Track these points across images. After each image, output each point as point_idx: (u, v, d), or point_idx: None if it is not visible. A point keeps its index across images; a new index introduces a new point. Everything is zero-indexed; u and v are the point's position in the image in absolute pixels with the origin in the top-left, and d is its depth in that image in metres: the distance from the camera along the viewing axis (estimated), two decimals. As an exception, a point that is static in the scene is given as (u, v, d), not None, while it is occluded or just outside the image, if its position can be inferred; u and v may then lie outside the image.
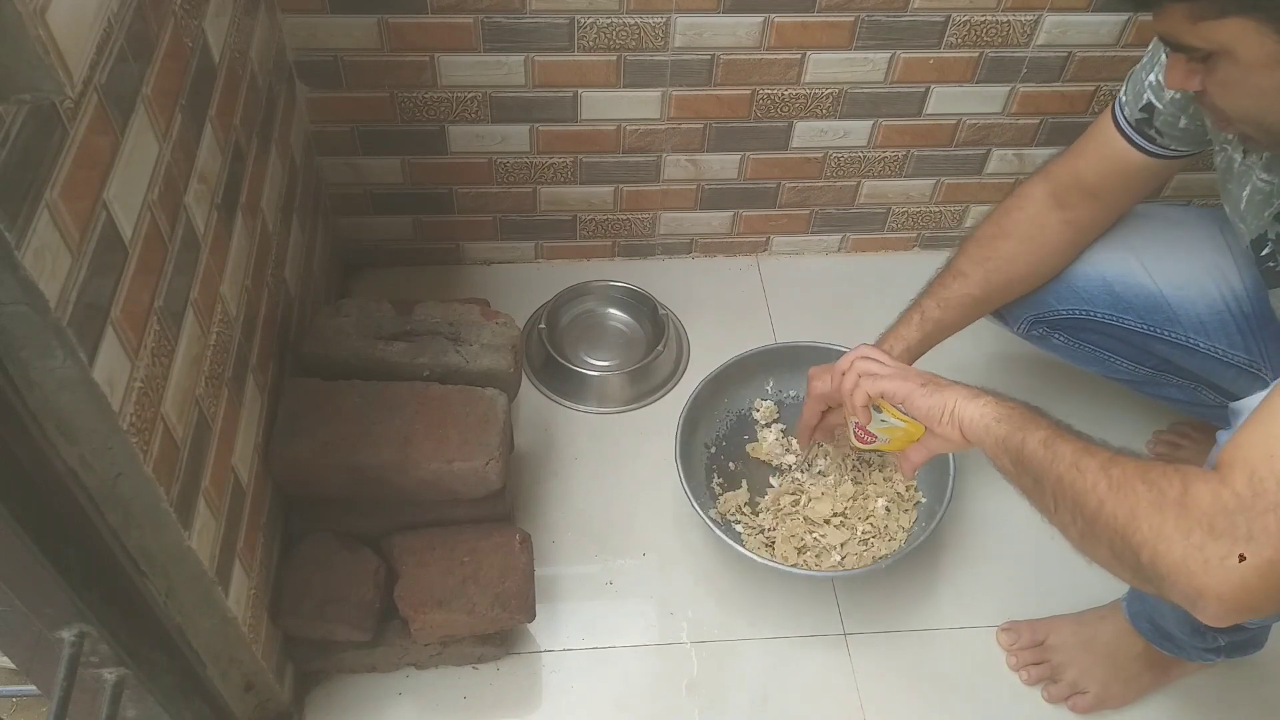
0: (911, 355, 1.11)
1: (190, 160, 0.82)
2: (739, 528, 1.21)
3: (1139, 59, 1.01)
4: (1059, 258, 1.10)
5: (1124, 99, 1.01)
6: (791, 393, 1.34)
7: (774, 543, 1.20)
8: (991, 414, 0.86)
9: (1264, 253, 0.94)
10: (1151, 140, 0.99)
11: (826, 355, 1.31)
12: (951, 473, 1.17)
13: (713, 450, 1.28)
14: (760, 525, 1.22)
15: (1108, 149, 1.02)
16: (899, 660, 1.15)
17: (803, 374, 1.32)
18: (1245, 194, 0.93)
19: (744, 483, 1.26)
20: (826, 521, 1.20)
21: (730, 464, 1.28)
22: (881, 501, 1.22)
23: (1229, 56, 0.74)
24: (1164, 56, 0.93)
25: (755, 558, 1.13)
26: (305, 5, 1.19)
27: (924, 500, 1.23)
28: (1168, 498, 0.69)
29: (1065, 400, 1.41)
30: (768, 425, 1.31)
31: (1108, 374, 1.21)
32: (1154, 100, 0.97)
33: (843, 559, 1.18)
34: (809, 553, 1.19)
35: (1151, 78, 0.97)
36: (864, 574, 1.18)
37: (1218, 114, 0.82)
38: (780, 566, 1.14)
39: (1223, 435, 0.83)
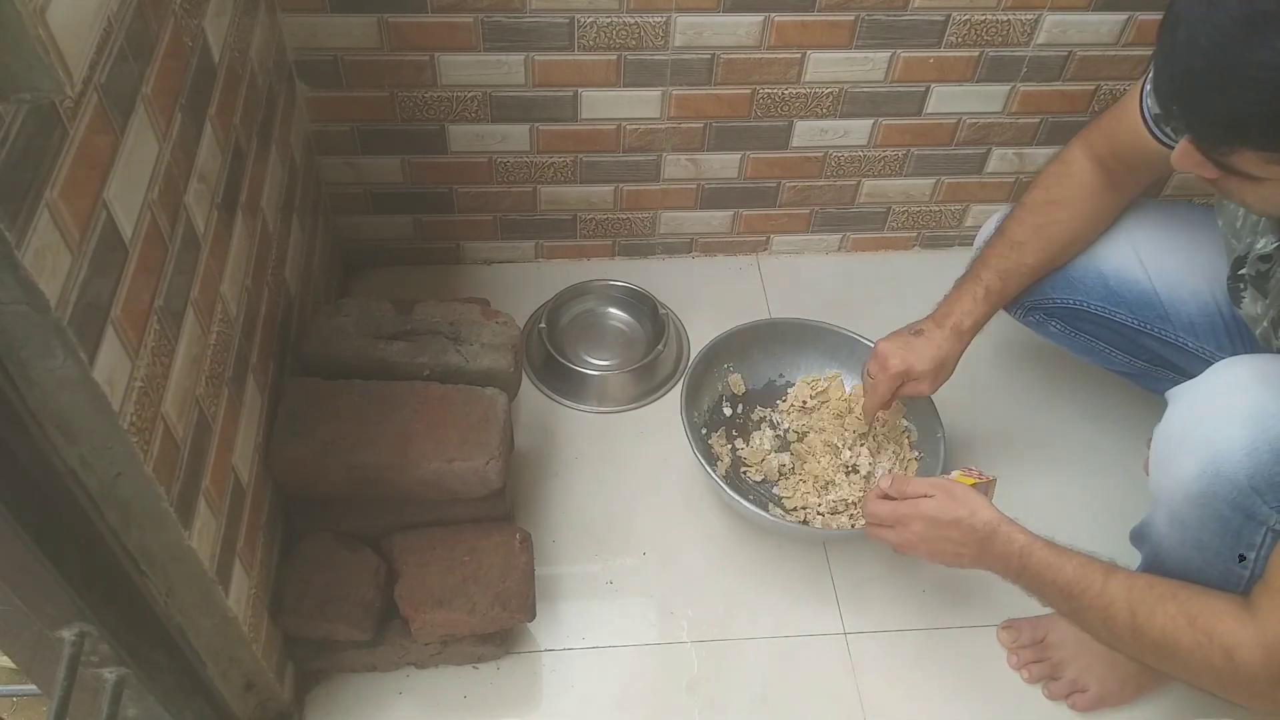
0: (977, 328, 1.12)
1: (190, 160, 0.82)
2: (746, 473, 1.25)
3: (1141, 58, 1.00)
4: (1109, 218, 1.11)
5: (1148, 88, 1.00)
6: (782, 375, 1.37)
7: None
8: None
9: (1240, 272, 0.95)
10: (1168, 135, 0.99)
11: (805, 331, 1.35)
12: (942, 458, 1.19)
13: (704, 431, 1.30)
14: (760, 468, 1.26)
15: (1134, 131, 1.02)
16: (899, 660, 1.15)
17: (790, 350, 1.35)
18: (1241, 212, 0.94)
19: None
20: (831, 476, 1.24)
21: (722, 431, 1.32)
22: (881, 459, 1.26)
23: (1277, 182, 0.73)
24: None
25: (750, 506, 1.15)
26: (305, 5, 1.19)
27: (920, 456, 1.26)
28: (1216, 670, 0.81)
29: (1067, 392, 1.42)
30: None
31: (1105, 365, 1.22)
32: None
33: (850, 521, 1.20)
34: (819, 494, 1.22)
35: None
36: (857, 548, 1.20)
37: (1229, 197, 0.81)
38: (787, 524, 1.17)
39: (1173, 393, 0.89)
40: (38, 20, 0.52)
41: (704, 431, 1.29)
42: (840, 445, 1.26)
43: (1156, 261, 1.10)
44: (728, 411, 1.33)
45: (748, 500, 1.16)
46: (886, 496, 1.01)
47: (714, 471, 1.18)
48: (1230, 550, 0.84)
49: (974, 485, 1.00)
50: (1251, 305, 0.96)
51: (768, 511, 1.19)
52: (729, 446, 1.30)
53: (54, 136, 0.59)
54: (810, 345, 1.35)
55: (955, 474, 1.04)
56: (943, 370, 1.13)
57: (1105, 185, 1.08)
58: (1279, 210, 0.82)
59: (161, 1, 0.77)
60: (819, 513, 1.21)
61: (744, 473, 1.28)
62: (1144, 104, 1.01)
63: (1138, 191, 1.11)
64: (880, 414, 1.23)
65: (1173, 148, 0.99)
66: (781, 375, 1.36)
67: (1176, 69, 0.71)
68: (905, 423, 1.28)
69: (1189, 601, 0.83)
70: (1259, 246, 0.91)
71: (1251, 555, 0.83)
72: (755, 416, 1.33)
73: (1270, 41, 0.65)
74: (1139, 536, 1.00)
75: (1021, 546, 0.92)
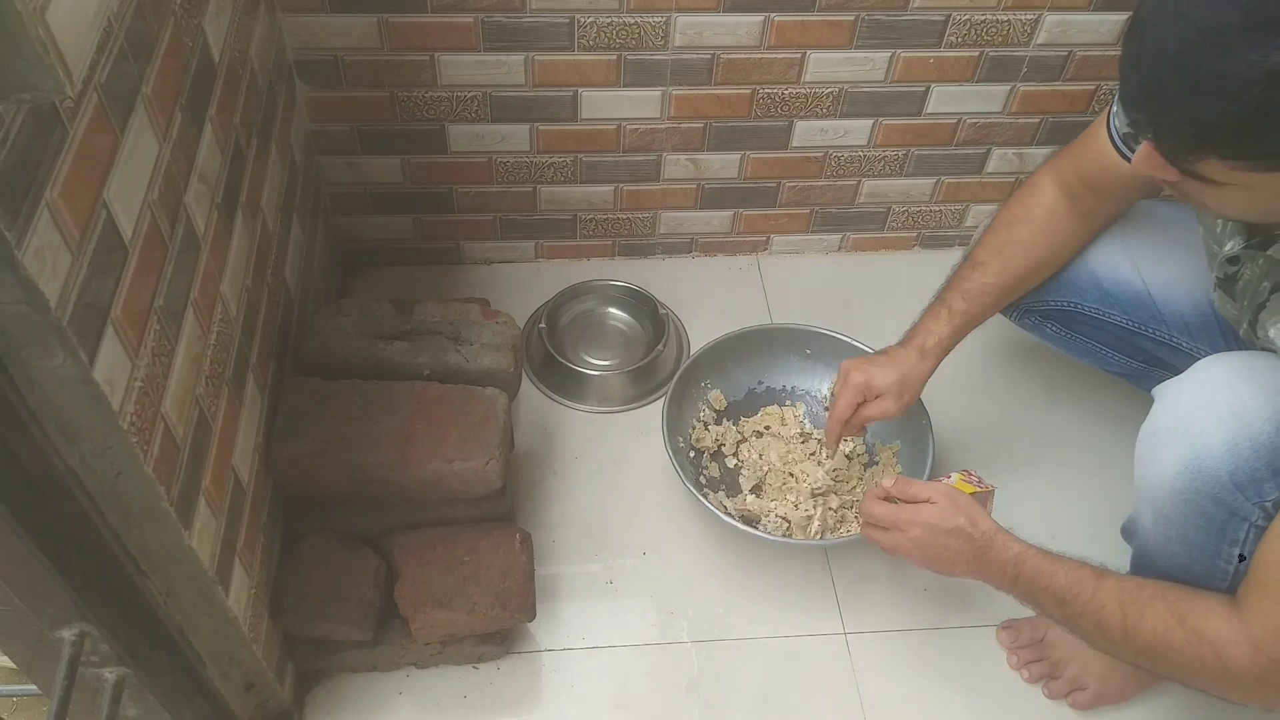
0: (943, 349, 1.11)
1: (190, 160, 0.82)
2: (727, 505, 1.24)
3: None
4: (1073, 244, 1.11)
5: (1115, 109, 1.00)
6: (761, 383, 1.37)
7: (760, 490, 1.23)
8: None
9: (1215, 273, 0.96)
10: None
11: (774, 335, 1.35)
12: (930, 446, 1.20)
13: (692, 455, 1.29)
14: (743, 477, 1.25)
15: (1102, 155, 1.02)
16: (899, 660, 1.15)
17: (764, 356, 1.35)
18: (1219, 219, 0.93)
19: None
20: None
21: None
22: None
23: (1243, 188, 0.73)
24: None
25: (745, 528, 1.15)
26: (305, 4, 1.19)
27: (902, 472, 1.25)
28: (1207, 669, 0.81)
29: (1065, 392, 1.41)
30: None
31: (1101, 366, 1.23)
32: None
33: (833, 527, 1.20)
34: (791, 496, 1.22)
35: None
36: (856, 549, 1.19)
37: (1189, 201, 0.81)
38: (787, 540, 1.16)
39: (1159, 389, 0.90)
40: (38, 20, 0.52)
41: (692, 455, 1.29)
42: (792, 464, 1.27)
43: (1149, 262, 1.10)
44: (714, 431, 1.32)
45: (741, 523, 1.16)
46: (888, 497, 1.01)
47: (708, 500, 1.18)
48: (1214, 545, 0.85)
49: (974, 493, 1.00)
50: (1223, 306, 0.96)
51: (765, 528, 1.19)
52: (720, 465, 1.29)
53: (54, 136, 0.59)
54: (783, 347, 1.35)
55: (955, 477, 1.03)
56: (906, 388, 1.10)
57: (1069, 210, 1.08)
58: (1237, 213, 0.83)
59: (161, 1, 0.77)
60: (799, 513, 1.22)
61: (724, 494, 1.27)
62: (1112, 125, 1.00)
63: (1108, 219, 1.10)
64: (845, 440, 1.22)
65: None
66: (760, 382, 1.36)
67: (1144, 78, 0.72)
68: (864, 441, 1.29)
69: (1178, 602, 0.84)
70: (1226, 249, 0.91)
71: (1238, 551, 0.84)
72: (739, 428, 1.32)
73: (1238, 52, 0.65)
74: (1128, 532, 1.01)
75: (1015, 555, 0.92)
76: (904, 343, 1.12)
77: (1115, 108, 1.00)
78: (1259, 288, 0.88)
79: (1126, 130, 0.98)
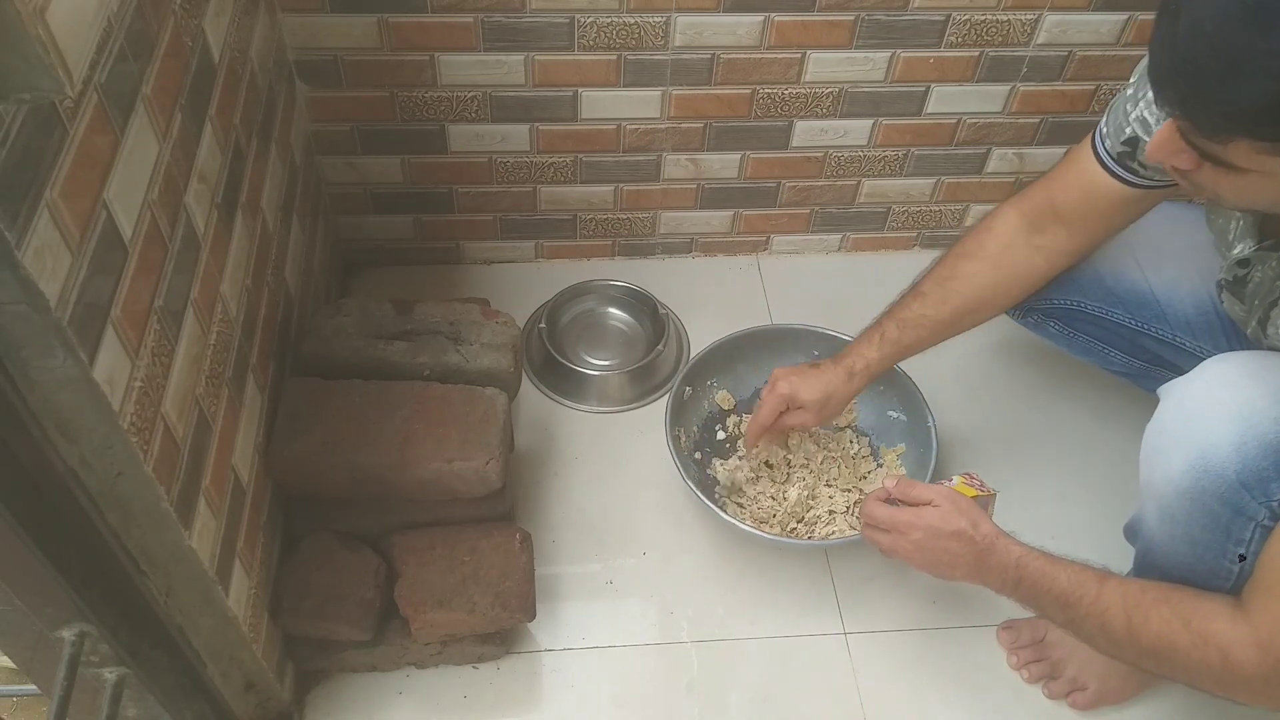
0: (871, 374, 1.12)
1: (190, 160, 0.82)
2: (728, 504, 1.24)
3: (1138, 59, 1.00)
4: (1024, 282, 1.09)
5: (1104, 130, 0.98)
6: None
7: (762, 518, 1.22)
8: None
9: (1221, 278, 0.96)
10: (1134, 172, 0.97)
11: (784, 335, 1.36)
12: (934, 448, 1.20)
13: (698, 456, 1.30)
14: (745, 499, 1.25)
15: (1085, 179, 1.00)
16: (899, 660, 1.15)
17: (773, 356, 1.34)
18: (1233, 224, 0.93)
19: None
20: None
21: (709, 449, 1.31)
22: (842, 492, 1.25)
23: (1265, 175, 0.71)
24: (1147, 95, 0.91)
25: (747, 527, 1.15)
26: (305, 4, 1.19)
27: (906, 473, 1.25)
28: (1213, 671, 0.81)
29: (1067, 390, 1.41)
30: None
31: (1103, 365, 1.23)
32: (1140, 134, 0.94)
33: (836, 530, 1.20)
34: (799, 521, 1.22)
35: (1136, 113, 0.94)
36: (856, 549, 1.19)
37: (1199, 191, 0.80)
38: (770, 537, 1.17)
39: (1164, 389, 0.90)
40: (38, 20, 0.52)
41: (698, 456, 1.29)
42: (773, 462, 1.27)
43: (1153, 261, 1.10)
44: (721, 435, 1.32)
45: (744, 523, 1.17)
46: (889, 499, 1.01)
47: (707, 497, 1.18)
48: (1220, 545, 0.85)
49: (975, 497, 1.00)
50: (1231, 307, 0.96)
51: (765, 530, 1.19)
52: (725, 467, 1.29)
53: (54, 136, 0.59)
54: (791, 347, 1.35)
55: (957, 480, 1.03)
56: (828, 405, 1.12)
57: (1026, 245, 1.06)
58: (1250, 202, 0.81)
59: (161, 1, 0.77)
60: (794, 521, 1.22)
61: (717, 491, 1.26)
62: (1100, 147, 0.99)
63: (1068, 258, 1.08)
64: (763, 441, 1.22)
65: (1138, 184, 0.97)
66: (767, 381, 1.36)
67: (1178, 54, 0.69)
68: (855, 442, 1.29)
69: (1182, 604, 0.84)
70: (1236, 252, 0.91)
71: (1242, 551, 0.84)
72: (744, 428, 1.32)
73: (1279, 28, 0.63)
74: (1132, 532, 1.01)
75: (1017, 559, 0.92)
76: (836, 360, 1.13)
77: (1105, 128, 0.98)
78: (1272, 286, 0.87)
79: (1121, 149, 0.97)
